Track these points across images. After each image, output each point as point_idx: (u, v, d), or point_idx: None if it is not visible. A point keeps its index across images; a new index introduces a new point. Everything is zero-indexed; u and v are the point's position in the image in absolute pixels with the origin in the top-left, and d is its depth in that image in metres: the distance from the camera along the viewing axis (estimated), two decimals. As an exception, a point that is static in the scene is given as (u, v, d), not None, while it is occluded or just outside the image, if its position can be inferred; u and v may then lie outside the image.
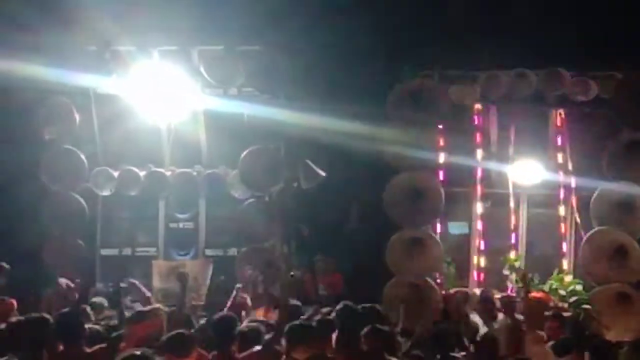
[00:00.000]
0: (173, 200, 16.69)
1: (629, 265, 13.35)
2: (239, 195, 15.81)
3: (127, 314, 9.78)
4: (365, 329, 8.60)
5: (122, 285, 12.17)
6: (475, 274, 15.67)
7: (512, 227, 15.82)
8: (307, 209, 16.20)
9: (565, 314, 12.35)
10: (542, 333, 10.65)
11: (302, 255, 16.33)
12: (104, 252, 16.77)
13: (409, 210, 13.86)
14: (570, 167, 15.60)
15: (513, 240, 15.79)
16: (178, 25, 14.53)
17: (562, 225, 15.73)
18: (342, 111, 13.98)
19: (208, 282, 15.20)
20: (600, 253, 13.51)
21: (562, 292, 14.61)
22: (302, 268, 15.74)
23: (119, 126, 15.75)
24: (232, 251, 16.14)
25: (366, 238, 15.30)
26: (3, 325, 9.19)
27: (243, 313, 11.61)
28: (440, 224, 15.41)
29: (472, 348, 9.76)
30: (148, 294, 12.20)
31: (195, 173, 16.28)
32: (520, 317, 11.28)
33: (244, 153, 15.00)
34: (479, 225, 15.74)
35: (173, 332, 7.98)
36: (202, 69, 15.13)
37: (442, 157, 15.29)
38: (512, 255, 15.53)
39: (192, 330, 9.11)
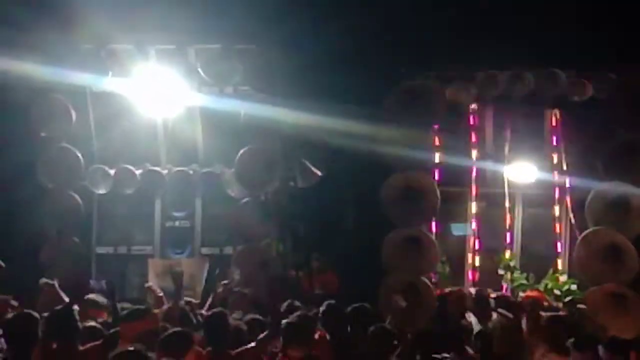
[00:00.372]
0: (169, 198, 16.71)
1: (623, 265, 13.34)
2: (235, 194, 15.81)
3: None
4: (372, 328, 8.62)
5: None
6: (470, 273, 15.73)
7: (507, 226, 15.86)
8: (303, 208, 16.21)
9: (560, 314, 12.36)
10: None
11: (297, 254, 16.35)
12: (100, 250, 16.79)
13: (404, 209, 13.86)
14: (565, 167, 15.64)
15: (508, 240, 15.84)
16: (175, 24, 14.50)
17: (557, 225, 15.80)
18: (338, 110, 13.98)
19: (204, 280, 15.23)
20: (595, 253, 13.49)
21: (557, 292, 14.65)
22: (297, 267, 15.81)
23: (116, 125, 15.76)
24: (228, 250, 16.15)
25: (362, 237, 15.30)
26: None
27: None
28: (438, 224, 15.45)
29: (468, 348, 9.79)
30: (160, 293, 12.20)
31: (191, 172, 16.30)
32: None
33: (240, 152, 14.99)
34: (473, 224, 15.80)
35: (169, 331, 7.99)
36: (199, 68, 15.13)
37: (437, 157, 15.33)
38: (507, 254, 15.59)
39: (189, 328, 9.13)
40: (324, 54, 14.36)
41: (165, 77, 15.04)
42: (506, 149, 15.69)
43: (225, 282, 12.25)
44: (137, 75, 15.04)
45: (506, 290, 14.88)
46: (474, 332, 10.92)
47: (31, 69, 13.86)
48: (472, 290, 14.08)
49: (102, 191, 16.16)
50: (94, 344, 8.93)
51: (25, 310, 9.16)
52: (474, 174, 15.78)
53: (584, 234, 13.92)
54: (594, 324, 11.75)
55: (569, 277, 15.11)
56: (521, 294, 14.39)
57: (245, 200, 15.30)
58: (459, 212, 16.07)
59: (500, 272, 15.37)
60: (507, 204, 15.84)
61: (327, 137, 14.23)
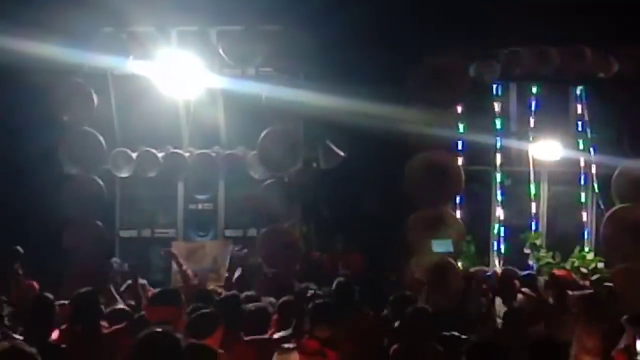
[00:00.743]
0: (192, 181, 16.67)
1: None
2: (258, 176, 15.76)
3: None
4: (410, 309, 8.57)
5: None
6: (495, 244, 15.65)
7: (533, 205, 15.76)
8: (327, 189, 16.17)
9: (587, 292, 12.27)
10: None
11: (322, 235, 16.33)
12: (123, 233, 16.78)
13: (428, 189, 13.81)
14: (591, 144, 15.51)
15: (534, 219, 15.75)
16: (196, 5, 14.47)
17: (584, 202, 15.68)
18: (361, 91, 13.91)
19: (227, 262, 15.21)
20: (621, 230, 13.42)
21: (584, 270, 14.54)
22: (321, 248, 15.81)
23: (137, 108, 15.71)
24: (252, 232, 16.11)
25: (386, 217, 15.25)
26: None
27: None
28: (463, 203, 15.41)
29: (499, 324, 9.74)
30: (195, 281, 12.18)
31: (214, 154, 16.24)
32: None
33: (263, 133, 14.94)
34: (499, 200, 15.74)
35: (196, 313, 7.93)
36: (220, 50, 15.07)
37: (461, 136, 15.25)
38: (533, 233, 15.50)
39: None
40: (346, 34, 14.26)
41: (187, 59, 14.98)
42: (531, 126, 15.56)
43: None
44: (158, 57, 14.98)
45: (532, 269, 14.76)
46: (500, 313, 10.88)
47: (52, 51, 13.81)
48: (498, 270, 14.00)
49: (124, 175, 16.14)
50: (118, 326, 8.92)
51: (42, 294, 9.17)
52: (498, 152, 15.62)
53: (610, 211, 13.82)
54: (622, 302, 11.64)
55: (596, 255, 14.99)
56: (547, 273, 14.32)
57: (268, 181, 15.26)
58: (483, 192, 15.97)
59: (526, 251, 15.27)
60: (532, 182, 15.72)
61: (349, 118, 14.14)
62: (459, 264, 14.31)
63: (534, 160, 15.68)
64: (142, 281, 11.37)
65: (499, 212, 15.78)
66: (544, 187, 16.01)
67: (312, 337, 7.32)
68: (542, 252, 15.19)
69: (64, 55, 14.12)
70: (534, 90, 15.65)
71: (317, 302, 7.94)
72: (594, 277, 14.18)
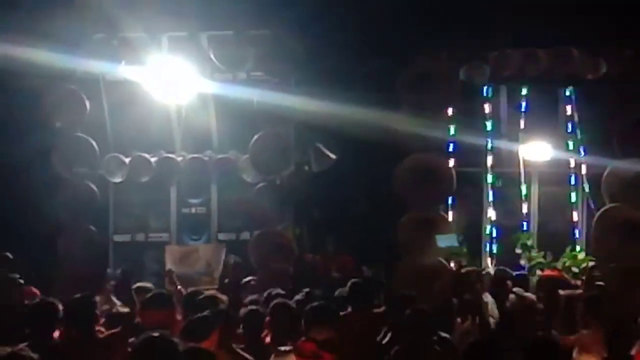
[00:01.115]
0: (184, 185, 16.74)
1: (641, 242, 13.31)
2: (250, 180, 15.83)
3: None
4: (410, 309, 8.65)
5: None
6: (487, 245, 15.73)
7: (524, 205, 15.85)
8: (318, 192, 16.24)
9: (578, 292, 12.34)
10: None
11: (313, 237, 16.40)
12: (117, 238, 16.84)
13: (419, 191, 13.87)
14: (581, 144, 15.60)
15: (525, 219, 15.83)
16: (186, 10, 14.52)
17: (574, 202, 15.76)
18: (351, 95, 13.96)
19: (221, 266, 15.27)
20: (611, 230, 13.48)
21: (575, 270, 14.62)
22: (313, 251, 15.88)
23: (129, 113, 15.78)
24: (245, 235, 16.17)
25: (377, 220, 15.32)
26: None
27: None
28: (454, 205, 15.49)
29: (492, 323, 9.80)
30: (179, 286, 12.20)
31: (206, 158, 16.31)
32: (532, 296, 11.37)
33: (255, 137, 15.02)
34: (490, 202, 15.82)
35: (192, 317, 7.98)
36: (211, 54, 15.13)
37: (452, 138, 15.32)
38: (524, 233, 15.58)
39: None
40: (335, 39, 14.34)
41: (178, 65, 15.03)
42: (521, 128, 15.64)
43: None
44: (150, 63, 15.04)
45: (524, 270, 14.83)
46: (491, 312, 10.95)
47: (45, 57, 13.88)
48: (491, 270, 14.07)
49: (117, 180, 16.20)
50: (113, 331, 8.96)
51: (46, 298, 9.20)
52: (489, 153, 15.71)
53: (600, 211, 13.90)
54: (613, 301, 11.72)
55: (587, 254, 15.07)
56: (539, 273, 14.40)
57: (260, 185, 15.33)
58: (474, 193, 16.05)
59: (518, 251, 15.34)
60: (522, 183, 15.81)
61: (340, 121, 14.20)
62: (452, 264, 14.36)
63: (524, 161, 15.76)
64: (147, 284, 11.36)
65: (491, 213, 15.87)
66: (535, 188, 16.09)
67: (308, 340, 7.36)
68: (534, 252, 15.25)
69: (56, 61, 14.18)
70: (524, 91, 15.74)
71: (313, 304, 7.99)
72: (585, 276, 14.28)
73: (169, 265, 15.29)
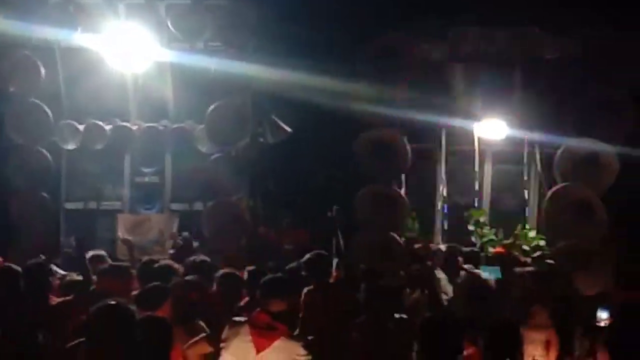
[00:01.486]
0: (139, 154, 16.69)
1: (592, 221, 13.43)
2: (205, 150, 15.81)
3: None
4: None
5: None
6: (439, 221, 15.86)
7: (477, 183, 15.96)
8: (274, 163, 16.24)
9: (528, 269, 12.46)
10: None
11: (268, 210, 16.40)
12: (69, 205, 16.77)
13: (376, 165, 13.90)
14: (535, 123, 15.70)
15: (477, 196, 15.95)
16: (144, -22, 14.43)
17: (527, 181, 15.91)
18: (310, 66, 13.94)
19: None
20: (563, 208, 13.58)
21: (526, 248, 14.77)
22: (267, 223, 15.89)
23: (85, 80, 15.67)
24: (198, 205, 16.15)
25: (332, 193, 15.35)
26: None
27: None
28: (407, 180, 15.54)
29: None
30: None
31: (161, 127, 16.26)
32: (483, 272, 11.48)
33: (211, 107, 14.93)
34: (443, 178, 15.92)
35: (146, 286, 7.97)
36: (169, 23, 15.02)
37: (408, 114, 15.35)
38: (477, 210, 15.70)
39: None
40: (296, 9, 14.30)
41: (135, 32, 14.90)
42: (477, 105, 15.70)
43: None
44: (106, 30, 14.89)
45: (475, 246, 14.95)
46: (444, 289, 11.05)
47: (-1, 23, 13.75)
48: (442, 247, 14.16)
49: (71, 147, 16.11)
50: (67, 298, 8.93)
51: (6, 265, 9.17)
52: (444, 130, 15.79)
53: (553, 189, 14.01)
54: (562, 279, 11.85)
55: (538, 233, 15.22)
56: (490, 250, 14.54)
57: (215, 155, 15.28)
58: (429, 169, 16.14)
59: (470, 228, 15.47)
60: (476, 161, 15.91)
61: (297, 93, 14.20)
62: (402, 240, 14.42)
63: (478, 139, 15.85)
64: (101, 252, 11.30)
65: (444, 190, 15.97)
66: (488, 166, 16.22)
67: (262, 311, 7.37)
68: (486, 230, 15.41)
69: (10, 27, 14.02)
70: (481, 69, 15.79)
71: (268, 276, 8.00)
72: (536, 254, 14.43)
73: (120, 234, 15.28)
